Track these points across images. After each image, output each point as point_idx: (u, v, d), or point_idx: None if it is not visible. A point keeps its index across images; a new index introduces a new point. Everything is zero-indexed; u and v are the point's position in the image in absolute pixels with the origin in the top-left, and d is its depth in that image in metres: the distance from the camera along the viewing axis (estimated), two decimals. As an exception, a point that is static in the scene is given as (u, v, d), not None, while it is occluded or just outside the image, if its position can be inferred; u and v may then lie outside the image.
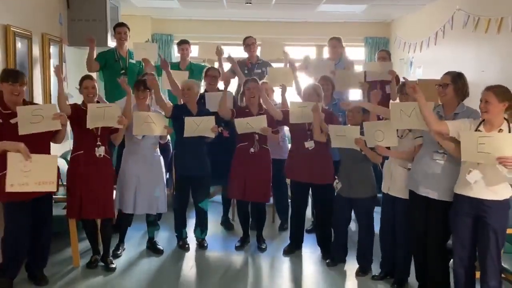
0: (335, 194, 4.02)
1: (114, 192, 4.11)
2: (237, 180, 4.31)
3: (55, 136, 3.65)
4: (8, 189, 2.91)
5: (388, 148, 3.60)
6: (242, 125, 4.17)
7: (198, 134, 4.21)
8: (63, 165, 4.75)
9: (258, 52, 5.37)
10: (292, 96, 4.76)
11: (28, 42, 4.51)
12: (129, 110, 4.03)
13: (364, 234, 3.97)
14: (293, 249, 4.45)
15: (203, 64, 5.62)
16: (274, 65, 5.37)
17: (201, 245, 4.54)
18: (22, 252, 3.56)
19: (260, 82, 4.39)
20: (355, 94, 5.35)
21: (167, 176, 4.61)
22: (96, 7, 5.51)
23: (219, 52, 5.24)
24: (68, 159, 4.60)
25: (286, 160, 4.43)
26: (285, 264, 4.27)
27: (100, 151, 3.83)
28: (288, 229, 4.66)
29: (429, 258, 3.37)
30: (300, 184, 4.28)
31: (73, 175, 3.87)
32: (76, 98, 4.22)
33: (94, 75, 5.68)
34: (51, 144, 3.69)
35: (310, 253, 4.45)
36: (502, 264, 3.14)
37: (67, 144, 4.69)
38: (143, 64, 5.12)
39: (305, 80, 5.06)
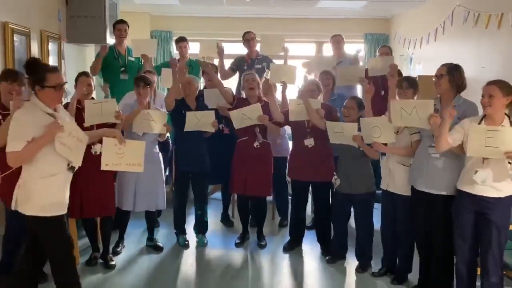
0: (334, 190, 4.02)
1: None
2: (238, 175, 4.31)
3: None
4: (103, 167, 3.31)
5: (385, 144, 3.60)
6: (238, 117, 4.15)
7: (198, 129, 4.21)
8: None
9: (257, 47, 5.35)
10: (294, 94, 4.76)
11: (27, 39, 4.49)
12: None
13: (363, 230, 3.96)
14: (293, 246, 4.45)
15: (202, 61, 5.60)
16: (276, 62, 5.36)
17: (201, 242, 4.53)
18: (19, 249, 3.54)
19: (263, 79, 4.39)
20: (355, 90, 5.34)
21: (167, 173, 4.60)
22: (95, 3, 5.49)
23: (220, 50, 5.23)
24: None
25: (288, 159, 4.43)
26: (285, 260, 4.27)
27: (96, 148, 3.80)
28: (288, 225, 4.66)
29: (433, 254, 3.36)
30: (301, 182, 4.27)
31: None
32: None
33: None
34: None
35: (310, 249, 4.45)
36: (504, 260, 3.13)
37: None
38: (142, 60, 5.10)
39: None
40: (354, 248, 4.06)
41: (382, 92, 4.91)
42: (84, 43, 5.69)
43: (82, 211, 3.84)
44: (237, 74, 5.37)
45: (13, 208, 2.89)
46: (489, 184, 2.95)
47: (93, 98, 3.94)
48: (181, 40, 5.44)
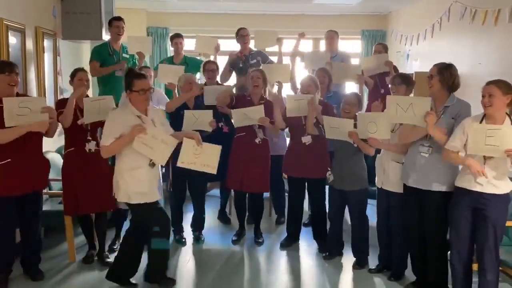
0: (328, 185, 4.02)
1: None
2: (236, 171, 4.30)
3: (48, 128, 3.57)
4: (179, 164, 3.50)
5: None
6: (240, 116, 4.14)
7: (196, 128, 4.19)
8: (58, 160, 4.73)
9: (251, 44, 5.33)
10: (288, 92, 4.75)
11: (22, 36, 4.46)
12: None
13: (357, 226, 3.97)
14: (290, 243, 4.45)
15: (199, 58, 5.59)
16: (271, 58, 5.34)
17: (198, 239, 4.53)
18: (10, 248, 3.53)
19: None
20: (351, 87, 5.33)
21: (163, 171, 4.58)
22: (91, 0, 5.45)
23: (217, 48, 5.21)
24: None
25: (284, 156, 4.42)
26: (282, 257, 4.27)
27: (91, 146, 3.79)
28: (285, 222, 4.66)
29: (428, 251, 3.36)
30: (297, 178, 4.27)
31: (67, 171, 3.84)
32: (71, 92, 4.16)
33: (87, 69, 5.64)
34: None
35: (307, 246, 4.45)
36: (500, 257, 3.14)
37: (62, 139, 4.64)
38: (137, 57, 5.08)
39: (302, 73, 5.04)
40: (351, 245, 4.06)
41: (382, 90, 4.91)
42: (80, 39, 5.65)
43: (77, 208, 3.82)
44: (234, 75, 5.34)
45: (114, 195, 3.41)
46: (486, 180, 2.95)
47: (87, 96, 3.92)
48: (176, 37, 5.42)
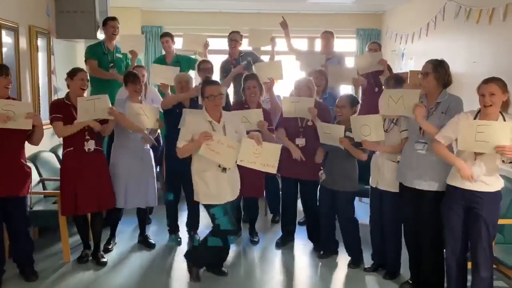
0: (319, 184, 4.03)
1: None
2: None
3: (30, 136, 3.55)
4: (238, 162, 3.47)
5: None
6: (238, 119, 4.13)
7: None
8: (53, 160, 4.71)
9: (243, 45, 5.32)
10: (284, 90, 4.75)
11: (15, 35, 4.43)
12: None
13: (346, 226, 3.98)
14: (286, 242, 4.45)
15: (193, 57, 5.57)
16: (263, 58, 5.33)
17: (193, 239, 4.51)
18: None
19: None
20: (346, 88, 5.34)
21: (157, 170, 4.57)
22: (85, -2, 5.43)
23: (206, 45, 5.20)
24: (58, 154, 4.57)
25: (280, 156, 4.40)
26: (277, 256, 4.27)
27: (90, 145, 3.78)
28: (280, 221, 4.65)
29: (423, 250, 3.38)
30: (289, 178, 4.27)
31: (66, 172, 3.82)
32: (65, 91, 4.14)
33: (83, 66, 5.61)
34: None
35: (303, 245, 4.45)
36: (494, 254, 3.15)
37: (57, 139, 4.63)
38: (130, 56, 5.07)
39: (296, 73, 5.04)
40: (344, 244, 4.07)
41: (376, 89, 4.91)
42: (74, 38, 5.62)
43: (76, 208, 3.80)
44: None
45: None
46: (480, 179, 2.96)
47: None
48: (164, 35, 5.41)
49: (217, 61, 5.31)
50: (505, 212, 3.60)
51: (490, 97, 2.89)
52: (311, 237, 4.40)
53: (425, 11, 6.20)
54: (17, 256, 3.67)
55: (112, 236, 4.35)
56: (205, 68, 4.75)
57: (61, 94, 4.21)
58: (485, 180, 2.97)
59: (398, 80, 3.72)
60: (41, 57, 5.04)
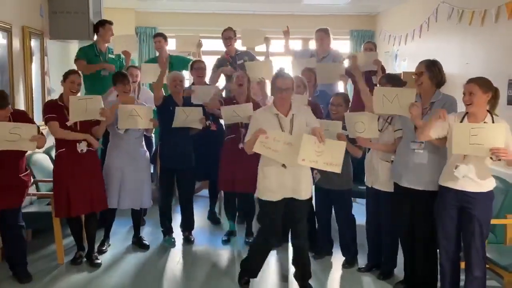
0: (314, 185, 4.03)
1: None
2: (226, 171, 4.30)
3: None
4: (299, 162, 3.21)
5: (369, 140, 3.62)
6: (229, 113, 4.14)
7: (186, 125, 4.19)
8: (46, 161, 4.69)
9: (237, 44, 5.31)
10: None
11: (8, 36, 4.40)
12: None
13: (343, 226, 3.99)
14: (280, 243, 4.45)
15: (188, 57, 5.56)
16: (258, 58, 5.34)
17: (188, 240, 4.52)
18: None
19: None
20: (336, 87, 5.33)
21: (151, 170, 4.56)
22: (78, -1, 5.41)
23: (199, 45, 5.20)
24: (52, 155, 4.54)
25: None
26: (272, 257, 4.26)
27: (82, 146, 3.77)
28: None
29: (417, 249, 3.39)
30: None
31: (58, 173, 3.81)
32: (59, 92, 4.13)
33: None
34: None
35: (297, 246, 4.45)
36: (487, 254, 3.17)
37: (50, 139, 4.61)
38: (124, 57, 5.06)
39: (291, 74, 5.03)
40: (339, 244, 4.08)
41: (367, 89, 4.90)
42: (68, 39, 5.59)
43: (69, 210, 3.79)
44: (223, 77, 5.32)
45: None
46: (472, 177, 2.97)
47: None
48: (157, 36, 5.40)
49: (211, 62, 5.32)
50: (497, 212, 3.63)
51: (469, 96, 2.93)
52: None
53: (418, 13, 6.23)
54: (10, 258, 3.65)
55: (106, 237, 4.33)
56: (198, 67, 4.75)
57: (55, 96, 4.19)
58: (477, 181, 2.99)
59: (396, 81, 3.72)
60: (35, 58, 5.01)
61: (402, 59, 6.80)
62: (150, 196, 4.29)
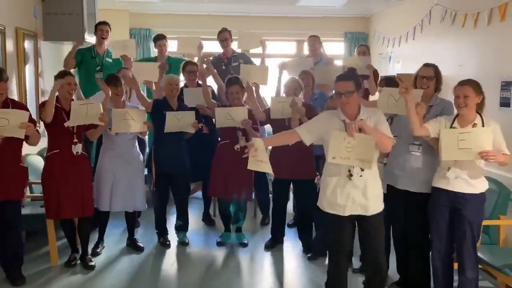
0: (318, 190, 4.03)
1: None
2: (219, 178, 4.29)
3: (28, 138, 3.55)
4: (330, 160, 2.96)
5: None
6: (223, 115, 4.13)
7: (179, 130, 4.18)
8: (40, 163, 4.66)
9: (233, 45, 5.31)
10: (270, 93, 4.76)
11: (1, 37, 4.39)
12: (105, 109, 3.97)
13: None
14: (275, 244, 4.46)
15: (183, 58, 5.55)
16: (253, 60, 5.34)
17: (182, 242, 4.51)
18: None
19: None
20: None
21: (146, 173, 4.55)
22: (72, 0, 5.38)
23: (200, 47, 5.20)
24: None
25: (270, 159, 4.41)
26: (266, 259, 4.27)
27: (77, 148, 3.76)
28: (270, 224, 4.67)
29: (410, 251, 3.40)
30: (282, 180, 4.28)
31: (49, 174, 3.79)
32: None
33: (72, 71, 5.56)
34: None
35: (292, 247, 4.46)
36: (479, 255, 3.19)
37: (44, 141, 4.59)
38: (123, 61, 5.03)
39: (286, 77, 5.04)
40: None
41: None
42: (62, 40, 5.57)
43: (59, 212, 3.77)
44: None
45: None
46: (464, 178, 2.99)
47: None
48: (160, 38, 5.35)
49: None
50: (490, 213, 3.65)
51: (464, 99, 2.96)
52: (301, 237, 4.41)
53: (412, 15, 6.26)
54: (5, 259, 3.63)
55: (100, 239, 4.32)
56: (190, 70, 4.74)
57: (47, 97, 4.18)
58: (470, 182, 3.01)
59: (393, 83, 3.73)
60: (28, 59, 4.99)
61: (396, 61, 6.83)
62: (144, 199, 4.28)
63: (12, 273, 3.63)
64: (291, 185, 4.47)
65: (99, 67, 5.05)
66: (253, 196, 4.91)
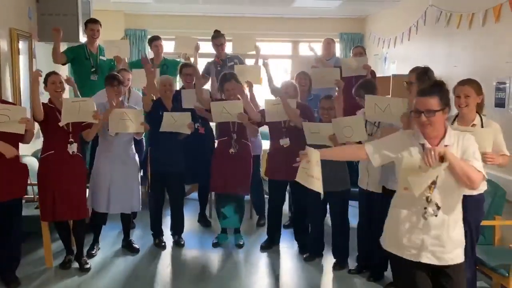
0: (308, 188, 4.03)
1: (87, 191, 4.02)
2: (218, 174, 4.29)
3: (23, 136, 3.53)
4: (401, 191, 2.44)
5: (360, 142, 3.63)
6: (219, 110, 4.12)
7: (174, 130, 4.18)
8: (35, 164, 4.64)
9: (228, 48, 5.31)
10: (264, 95, 4.75)
11: (-4, 38, 4.37)
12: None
13: (338, 228, 4.00)
14: (271, 245, 4.46)
15: (178, 59, 5.55)
16: (247, 61, 5.34)
17: (178, 243, 4.50)
18: None
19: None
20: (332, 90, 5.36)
21: (141, 174, 4.54)
22: (67, 1, 5.35)
23: (197, 48, 5.19)
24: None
25: (266, 159, 4.44)
26: (262, 259, 4.27)
27: (73, 148, 3.75)
28: (266, 224, 4.66)
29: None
30: (278, 181, 4.28)
31: (44, 175, 3.77)
32: (47, 94, 4.09)
33: (66, 71, 5.54)
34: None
35: (287, 248, 4.46)
36: (477, 255, 3.20)
37: (38, 143, 4.57)
38: (115, 61, 5.02)
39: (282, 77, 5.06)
40: (331, 246, 4.09)
41: None
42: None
43: (54, 213, 3.75)
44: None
45: None
46: None
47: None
48: (155, 39, 5.35)
49: (201, 64, 5.31)
50: (486, 213, 3.66)
51: (465, 98, 2.96)
52: (297, 238, 4.41)
53: (407, 16, 6.28)
54: (1, 261, 3.60)
55: (96, 241, 4.30)
56: (187, 73, 4.72)
57: (43, 98, 4.14)
58: None
59: (369, 88, 3.73)
60: (23, 60, 4.97)
61: (391, 61, 6.85)
62: (140, 200, 4.26)
63: (7, 275, 3.60)
64: (287, 187, 4.47)
65: (94, 69, 5.03)
66: (249, 196, 4.92)
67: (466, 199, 2.98)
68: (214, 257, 4.29)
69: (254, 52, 5.15)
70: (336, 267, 4.00)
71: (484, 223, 3.52)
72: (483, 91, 3.08)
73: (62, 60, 4.96)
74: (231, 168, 4.23)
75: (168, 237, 4.56)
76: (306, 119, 4.02)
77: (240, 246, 4.47)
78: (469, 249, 3.03)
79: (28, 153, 4.69)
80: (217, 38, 5.16)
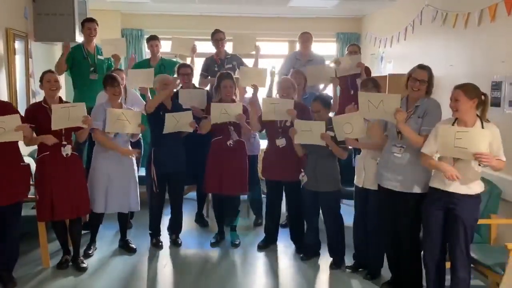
0: (301, 187, 4.04)
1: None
2: (213, 174, 4.29)
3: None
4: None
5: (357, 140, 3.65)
6: (218, 111, 4.12)
7: (177, 130, 4.19)
8: (32, 165, 4.63)
9: (227, 47, 5.31)
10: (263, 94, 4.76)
11: (-8, 37, 4.36)
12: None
13: (331, 227, 4.01)
14: (268, 244, 4.47)
15: (174, 59, 5.55)
16: (246, 60, 5.34)
17: (175, 243, 4.50)
18: None
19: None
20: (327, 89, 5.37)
21: (139, 173, 4.52)
22: (63, 0, 5.34)
23: (194, 49, 5.19)
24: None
25: (262, 159, 4.44)
26: (259, 259, 4.27)
27: (67, 150, 3.74)
28: (263, 224, 4.67)
29: (402, 250, 3.41)
30: (274, 181, 4.29)
31: (41, 177, 3.76)
32: (43, 94, 4.09)
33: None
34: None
35: (285, 247, 4.47)
36: (472, 255, 3.21)
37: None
38: (113, 60, 5.01)
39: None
40: (327, 245, 4.10)
41: (352, 92, 4.95)
42: (53, 41, 5.54)
43: (53, 213, 3.75)
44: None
45: None
46: (460, 179, 3.00)
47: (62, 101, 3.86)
48: (153, 39, 5.33)
49: (199, 65, 5.31)
50: (482, 212, 3.67)
51: (455, 102, 2.97)
52: (294, 238, 4.42)
53: (403, 15, 6.29)
54: (1, 261, 3.59)
55: (93, 241, 4.30)
56: (184, 73, 4.72)
57: (39, 98, 4.15)
58: (465, 183, 3.01)
59: (376, 85, 3.76)
60: (19, 60, 4.95)
61: (388, 61, 6.86)
62: (138, 200, 4.26)
63: (3, 276, 3.59)
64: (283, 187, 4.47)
65: (92, 68, 5.02)
66: (246, 196, 4.93)
67: (463, 199, 3.01)
68: (211, 257, 4.29)
69: (254, 52, 5.16)
70: (333, 265, 4.00)
71: (480, 221, 3.55)
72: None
73: (64, 69, 4.97)
74: (227, 166, 4.22)
75: (164, 237, 4.55)
76: (302, 118, 4.02)
77: (235, 246, 4.48)
78: (464, 248, 3.06)
79: (25, 153, 4.67)
80: (216, 33, 5.16)
